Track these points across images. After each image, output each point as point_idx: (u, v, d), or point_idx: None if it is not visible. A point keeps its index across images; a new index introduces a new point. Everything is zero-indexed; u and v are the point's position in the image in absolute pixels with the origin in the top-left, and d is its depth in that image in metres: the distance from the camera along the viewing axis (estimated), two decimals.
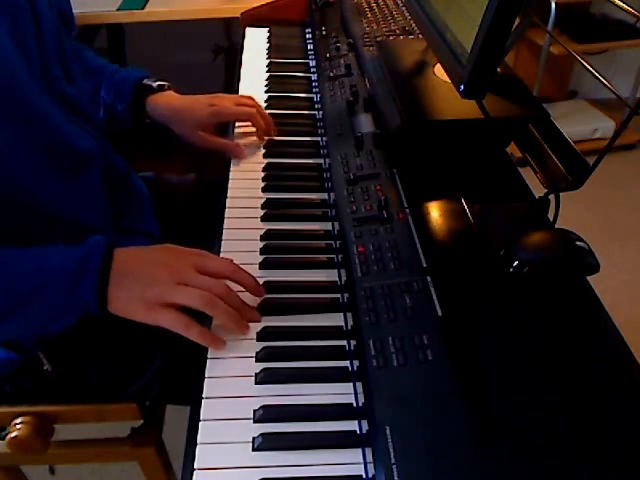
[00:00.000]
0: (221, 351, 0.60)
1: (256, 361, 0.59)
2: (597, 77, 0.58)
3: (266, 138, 0.91)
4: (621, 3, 0.60)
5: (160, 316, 0.58)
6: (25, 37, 0.62)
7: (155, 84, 0.91)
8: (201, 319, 0.61)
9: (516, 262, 0.57)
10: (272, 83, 1.07)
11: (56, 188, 0.68)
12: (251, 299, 0.64)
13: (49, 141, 0.65)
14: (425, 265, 0.61)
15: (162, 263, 0.61)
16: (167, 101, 0.90)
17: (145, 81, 0.91)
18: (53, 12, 0.70)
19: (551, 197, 0.65)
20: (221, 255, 0.70)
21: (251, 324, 0.62)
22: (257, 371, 0.58)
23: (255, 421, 0.53)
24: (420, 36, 0.97)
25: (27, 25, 0.63)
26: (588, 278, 0.58)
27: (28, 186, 0.65)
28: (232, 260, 0.64)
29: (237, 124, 0.94)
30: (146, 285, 0.58)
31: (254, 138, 0.91)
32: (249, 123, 0.91)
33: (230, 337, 0.61)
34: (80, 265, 0.58)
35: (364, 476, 0.49)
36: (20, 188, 0.64)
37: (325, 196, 0.81)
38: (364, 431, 0.52)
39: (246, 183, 0.83)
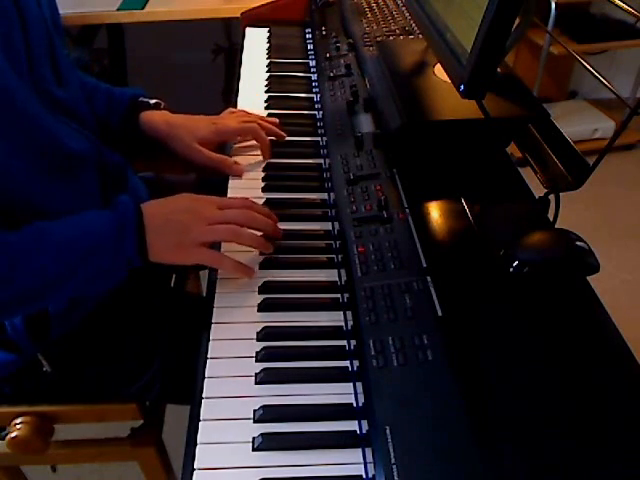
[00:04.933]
0: (222, 350, 0.60)
1: (256, 361, 0.59)
2: (597, 77, 0.58)
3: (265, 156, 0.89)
4: (621, 3, 0.60)
5: (196, 256, 0.66)
6: (11, 38, 0.62)
7: (152, 101, 0.91)
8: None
9: (516, 262, 0.57)
10: (272, 83, 1.07)
11: (50, 188, 0.68)
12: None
13: (38, 141, 0.65)
14: (425, 265, 0.61)
15: (186, 209, 0.67)
16: (163, 117, 0.89)
17: (141, 98, 0.91)
18: (42, 14, 0.70)
19: (551, 197, 0.65)
20: (221, 251, 0.70)
21: (251, 324, 0.62)
22: (257, 371, 0.58)
23: (255, 421, 0.53)
24: (420, 36, 0.97)
25: (13, 26, 0.62)
26: (588, 278, 0.58)
27: (22, 186, 0.65)
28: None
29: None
30: (179, 232, 0.65)
31: (256, 152, 0.89)
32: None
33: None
34: (118, 227, 0.63)
35: (364, 476, 0.49)
36: (15, 188, 0.64)
37: (325, 196, 0.81)
38: (364, 431, 0.52)
39: (246, 183, 0.83)
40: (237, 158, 0.88)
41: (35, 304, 0.65)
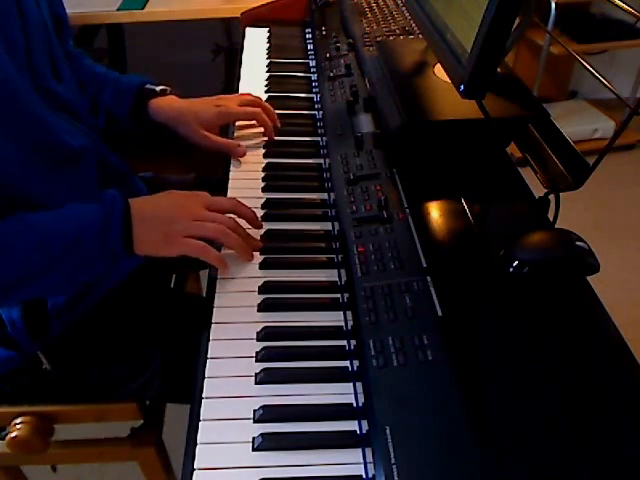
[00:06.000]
0: (222, 350, 0.60)
1: (256, 361, 0.59)
2: (597, 77, 0.58)
3: (266, 138, 0.92)
4: (621, 3, 0.60)
5: (182, 246, 0.66)
6: (12, 36, 0.62)
7: (158, 88, 0.92)
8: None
9: (516, 262, 0.57)
10: (272, 83, 1.07)
11: (49, 183, 0.68)
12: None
13: (37, 137, 0.66)
14: (425, 265, 0.61)
15: (175, 205, 0.68)
16: (170, 104, 0.91)
17: (148, 86, 0.92)
18: (41, 10, 0.70)
19: (551, 197, 0.65)
20: (221, 253, 0.70)
21: (251, 324, 0.62)
22: (257, 371, 0.58)
23: (255, 421, 0.53)
24: (420, 36, 0.97)
25: (14, 25, 0.63)
26: (588, 278, 0.58)
27: (21, 182, 0.65)
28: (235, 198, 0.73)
29: (237, 124, 0.94)
30: (166, 224, 0.66)
31: (255, 140, 0.92)
32: (250, 122, 0.92)
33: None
34: (105, 217, 0.64)
35: (364, 476, 0.49)
36: (13, 183, 0.64)
37: (325, 196, 0.81)
38: (364, 431, 0.52)
39: (246, 183, 0.83)
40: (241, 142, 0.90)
41: (22, 292, 0.65)
